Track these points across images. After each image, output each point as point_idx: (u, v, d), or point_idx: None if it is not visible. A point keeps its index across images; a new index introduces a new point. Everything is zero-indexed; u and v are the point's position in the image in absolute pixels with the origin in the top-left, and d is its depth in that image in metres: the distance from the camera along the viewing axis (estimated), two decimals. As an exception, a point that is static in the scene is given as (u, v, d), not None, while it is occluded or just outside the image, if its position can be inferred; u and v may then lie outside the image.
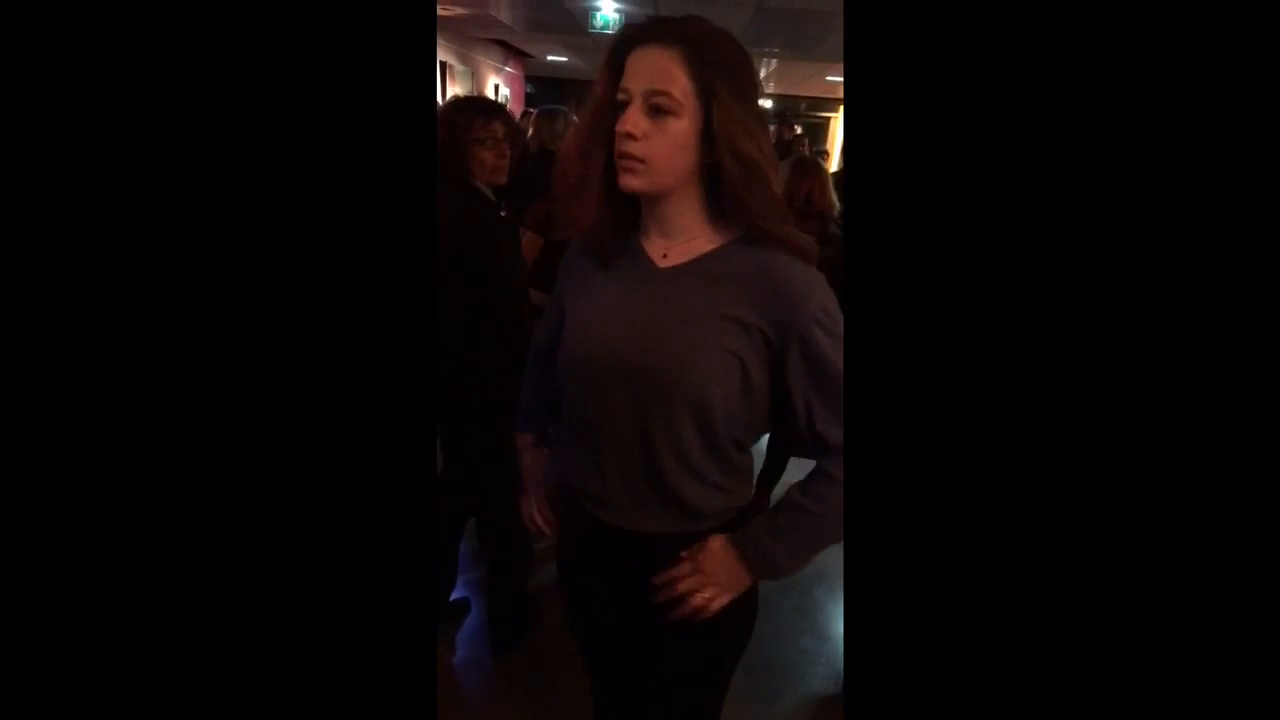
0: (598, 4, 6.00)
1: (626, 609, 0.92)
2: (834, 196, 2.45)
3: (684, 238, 0.82)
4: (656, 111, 0.74)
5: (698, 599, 0.83)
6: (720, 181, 0.77)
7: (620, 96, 0.76)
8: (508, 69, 10.50)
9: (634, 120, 0.74)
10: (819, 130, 13.83)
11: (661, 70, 0.73)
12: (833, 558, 2.41)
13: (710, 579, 0.83)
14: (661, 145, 0.74)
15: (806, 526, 0.83)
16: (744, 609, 0.93)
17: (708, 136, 0.74)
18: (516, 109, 10.28)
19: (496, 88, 9.78)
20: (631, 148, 0.74)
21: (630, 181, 0.76)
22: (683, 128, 0.74)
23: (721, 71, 0.74)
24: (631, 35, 0.77)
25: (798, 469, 2.86)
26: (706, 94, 0.73)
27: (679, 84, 0.73)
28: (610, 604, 0.94)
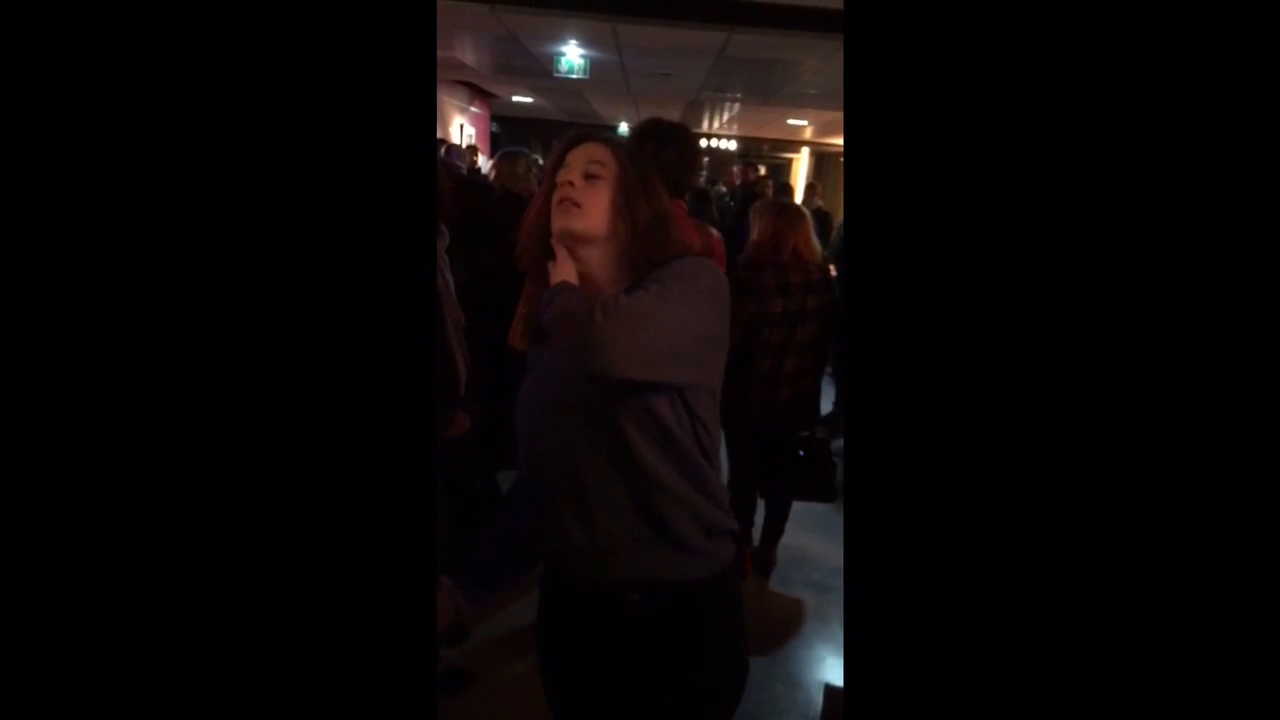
0: (563, 50, 6.10)
1: (610, 674, 0.91)
2: (816, 244, 2.32)
3: (610, 287, 0.93)
4: (590, 178, 0.93)
5: None
6: (634, 235, 0.93)
7: (561, 175, 0.95)
8: (473, 109, 10.59)
9: (573, 174, 0.93)
10: (781, 170, 14.18)
11: (594, 153, 0.95)
12: (804, 601, 2.38)
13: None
14: (593, 195, 0.92)
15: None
16: (733, 667, 0.93)
17: (624, 203, 0.93)
18: (482, 148, 10.36)
19: (461, 127, 9.84)
20: (570, 193, 0.92)
21: (567, 223, 0.91)
22: (610, 191, 0.93)
23: (635, 158, 0.97)
24: (573, 140, 0.98)
25: (800, 526, 2.82)
26: (623, 172, 0.94)
27: (607, 162, 0.94)
28: (593, 670, 0.93)
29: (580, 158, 0.95)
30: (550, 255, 0.94)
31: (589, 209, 0.91)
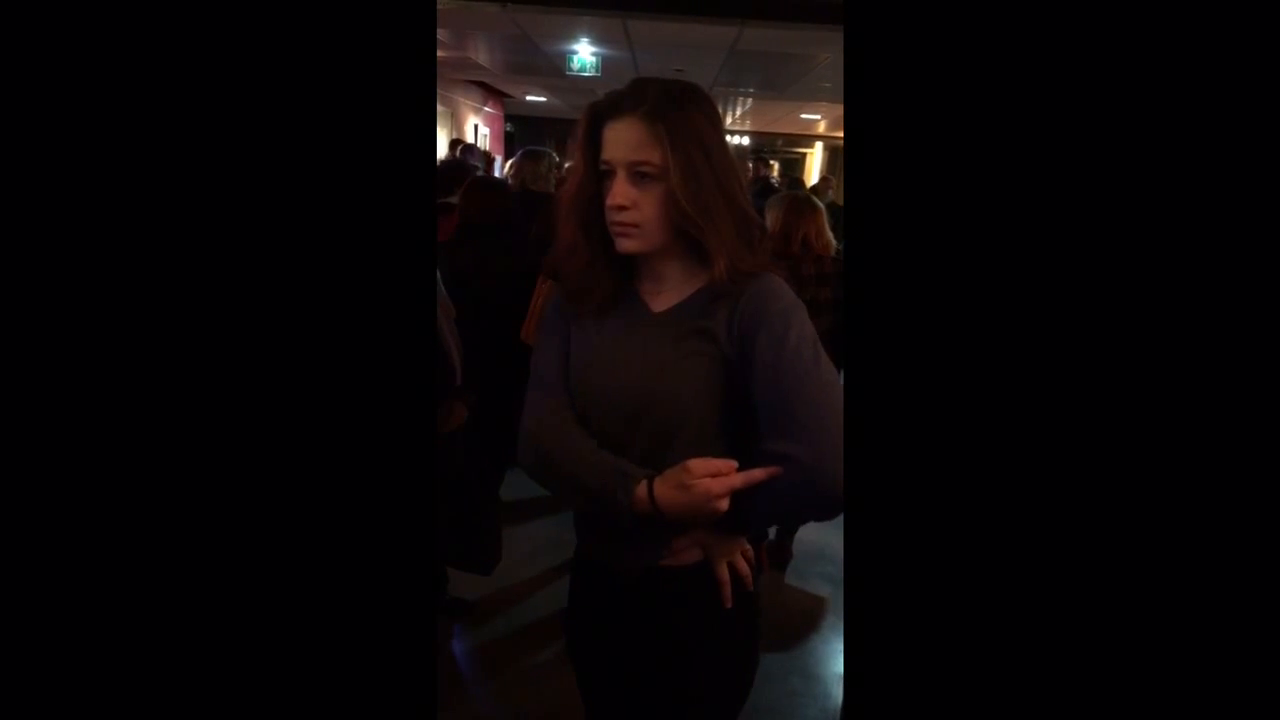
0: (575, 48, 6.11)
1: (633, 652, 0.92)
2: (830, 236, 2.32)
3: (676, 283, 0.88)
4: (641, 178, 0.80)
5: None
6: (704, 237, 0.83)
7: (603, 168, 0.82)
8: (487, 109, 10.63)
9: (622, 192, 0.80)
10: (795, 164, 14.11)
11: (639, 140, 0.79)
12: (820, 595, 2.38)
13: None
14: (650, 209, 0.81)
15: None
16: (741, 652, 0.93)
17: (687, 200, 0.80)
18: (496, 147, 10.37)
19: (476, 127, 9.88)
20: (624, 216, 0.81)
21: (627, 245, 0.83)
22: (667, 190, 0.80)
23: (693, 136, 0.80)
24: (604, 108, 0.83)
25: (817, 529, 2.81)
26: (682, 161, 0.79)
27: (658, 152, 0.79)
28: (618, 646, 0.94)
29: (622, 146, 0.80)
30: (609, 261, 0.86)
31: (648, 222, 0.81)
